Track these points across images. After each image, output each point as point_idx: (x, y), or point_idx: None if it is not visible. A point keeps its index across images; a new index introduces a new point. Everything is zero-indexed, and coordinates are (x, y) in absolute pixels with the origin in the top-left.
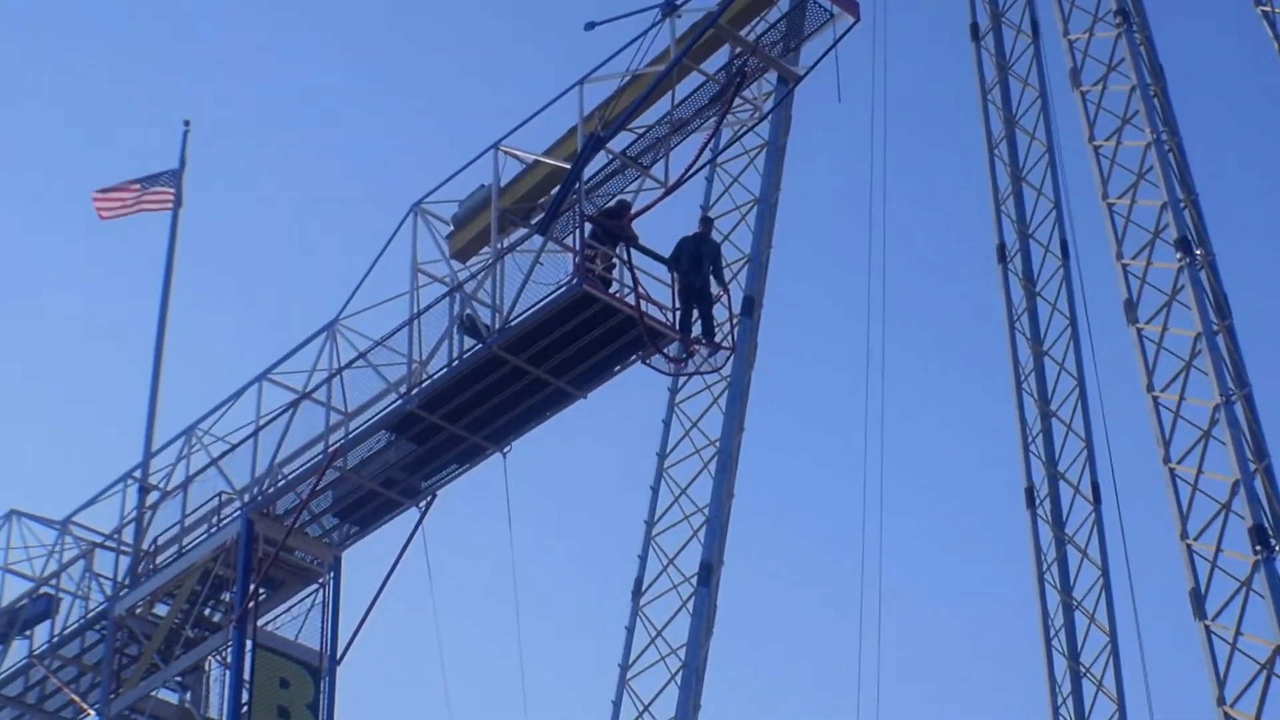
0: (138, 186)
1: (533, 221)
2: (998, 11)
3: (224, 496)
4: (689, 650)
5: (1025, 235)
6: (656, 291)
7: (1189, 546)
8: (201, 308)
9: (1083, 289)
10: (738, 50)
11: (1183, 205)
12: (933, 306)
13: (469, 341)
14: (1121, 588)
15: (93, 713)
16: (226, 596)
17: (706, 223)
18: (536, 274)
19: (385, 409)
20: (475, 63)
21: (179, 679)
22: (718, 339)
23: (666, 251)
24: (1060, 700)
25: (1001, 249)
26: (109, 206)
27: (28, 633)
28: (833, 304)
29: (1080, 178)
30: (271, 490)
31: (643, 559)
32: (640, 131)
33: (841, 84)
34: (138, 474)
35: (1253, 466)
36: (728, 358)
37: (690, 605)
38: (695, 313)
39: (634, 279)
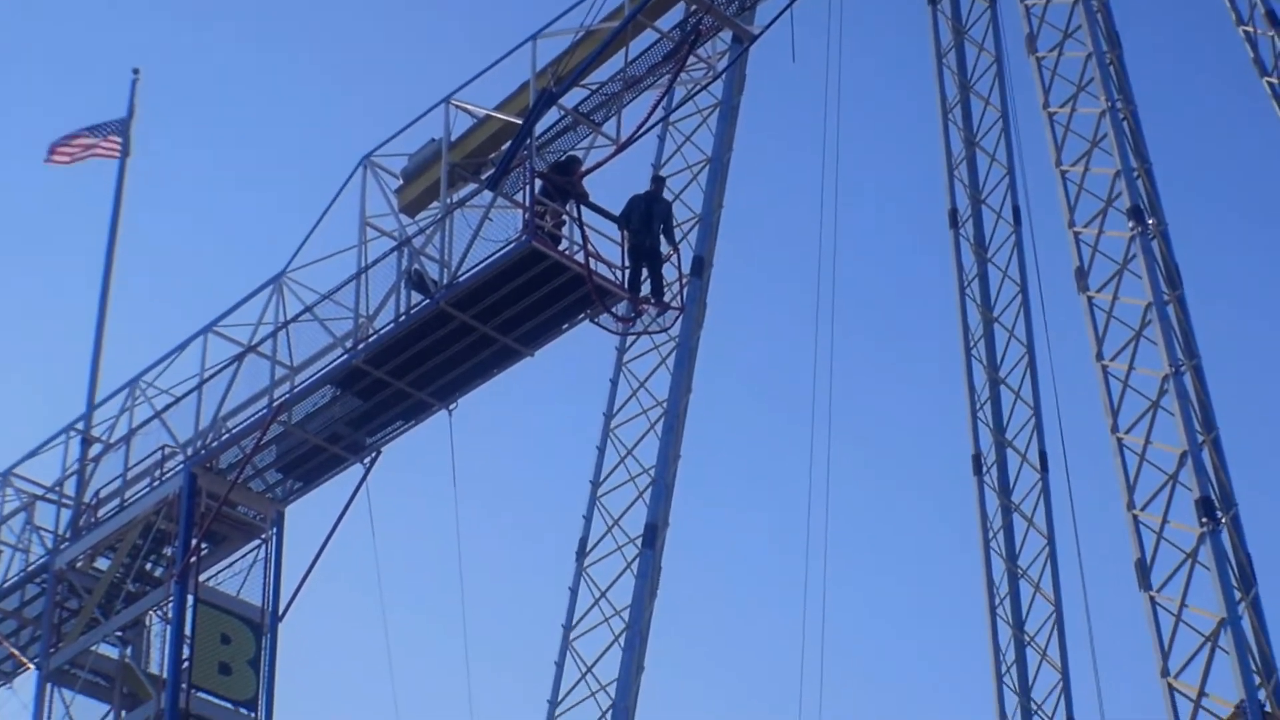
0: (87, 135)
1: (483, 177)
2: None
3: (167, 450)
4: (633, 612)
5: (978, 201)
6: (606, 249)
7: (1135, 517)
8: (147, 258)
9: (1035, 256)
10: (692, 8)
11: (1136, 174)
12: (883, 271)
13: (416, 296)
14: (1067, 557)
15: (32, 666)
16: (168, 551)
17: (658, 182)
18: (486, 230)
19: (331, 363)
20: (427, 15)
21: (119, 633)
22: (667, 299)
23: (617, 209)
24: (1005, 669)
25: (953, 214)
26: (59, 156)
27: None
28: (783, 266)
29: (1034, 144)
30: (215, 444)
31: (587, 519)
32: (593, 88)
33: (796, 44)
34: (80, 426)
35: (1200, 438)
36: (676, 318)
37: (635, 567)
38: (645, 272)
39: (583, 236)
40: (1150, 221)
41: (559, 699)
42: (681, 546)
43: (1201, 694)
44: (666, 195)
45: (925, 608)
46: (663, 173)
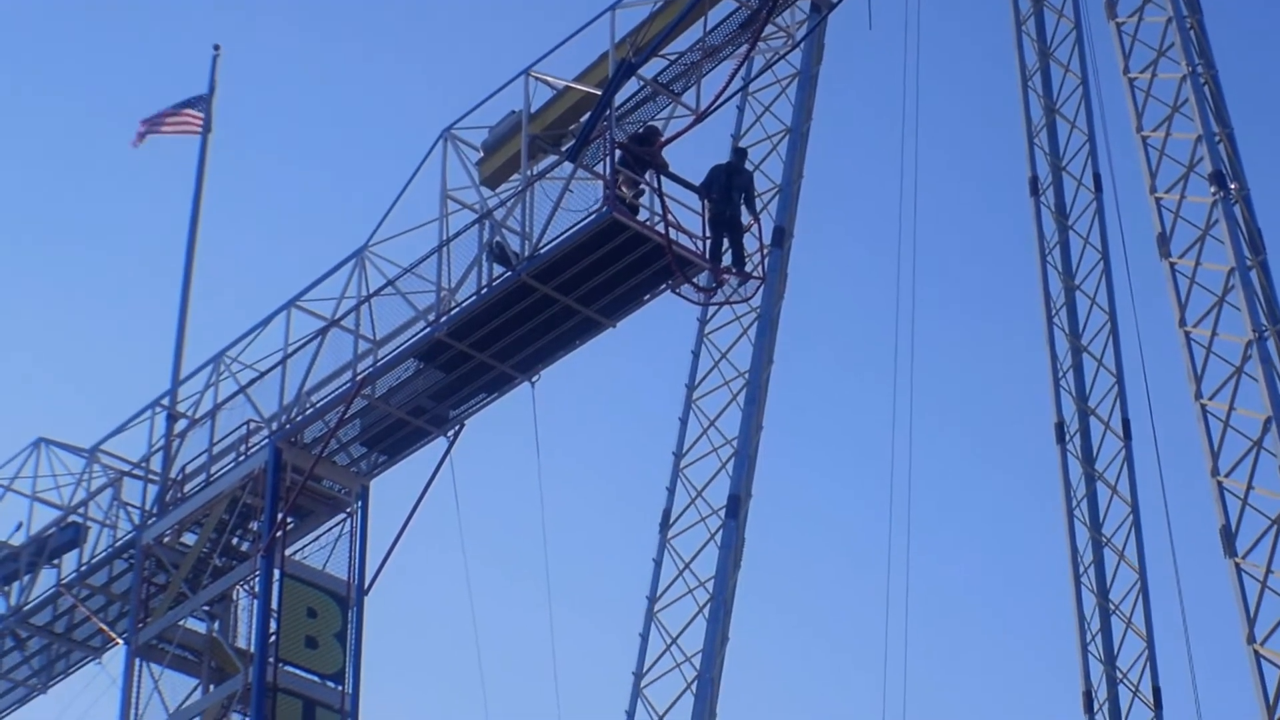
0: (171, 115)
1: (563, 148)
2: None
3: (252, 425)
4: (717, 583)
5: (1058, 168)
6: (687, 220)
7: (1220, 484)
8: (230, 234)
9: (1118, 223)
10: None
11: (1217, 139)
12: (965, 240)
13: (498, 269)
14: (1151, 525)
15: (120, 641)
16: (254, 525)
17: (739, 153)
18: (566, 201)
19: (414, 337)
20: None
21: (206, 608)
22: (748, 269)
23: (697, 180)
24: (1090, 637)
25: (1034, 182)
26: (142, 133)
27: (56, 561)
28: (864, 236)
29: (1115, 111)
30: (300, 418)
31: (670, 491)
32: (672, 58)
33: (874, 12)
34: (166, 401)
35: None
36: (757, 288)
37: (718, 538)
38: (725, 243)
39: (663, 207)
40: (1232, 186)
41: (644, 670)
42: (765, 516)
43: None
44: (747, 166)
45: (1009, 576)
46: (742, 143)
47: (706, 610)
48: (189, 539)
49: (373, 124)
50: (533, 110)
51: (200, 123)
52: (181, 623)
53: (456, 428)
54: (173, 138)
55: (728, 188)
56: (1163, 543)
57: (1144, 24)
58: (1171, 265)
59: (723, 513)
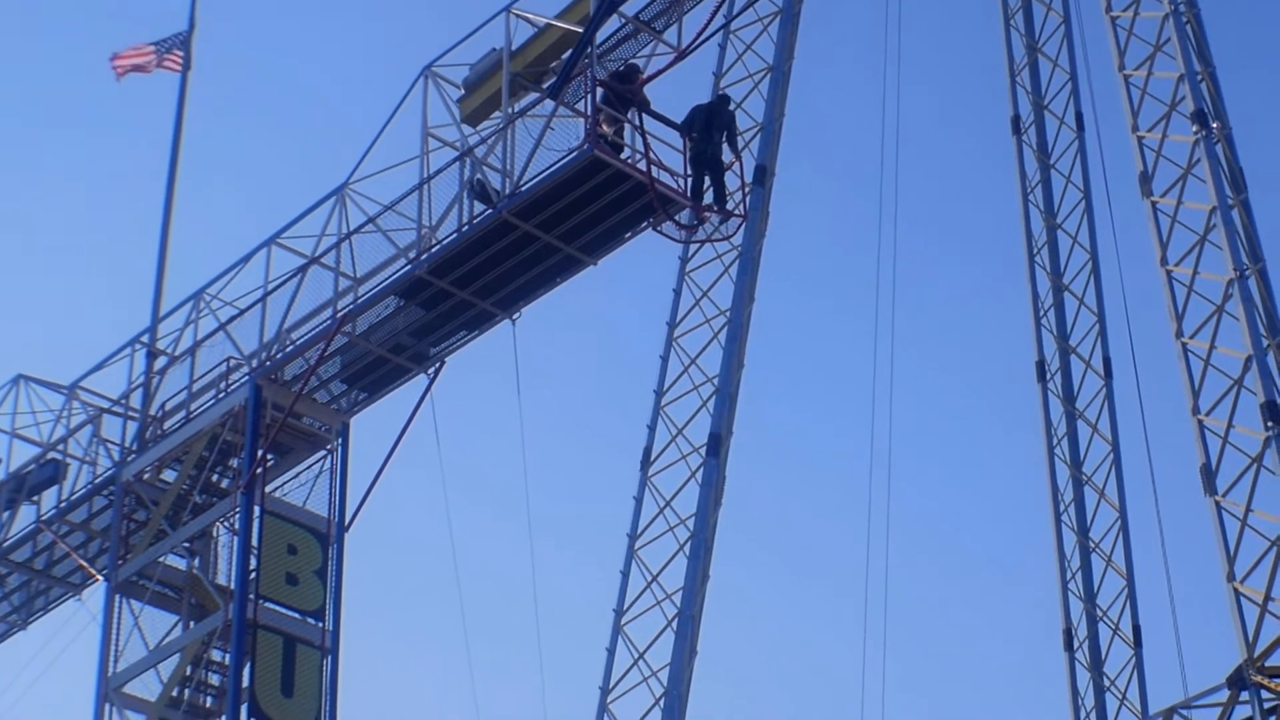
0: (150, 49)
1: (544, 86)
2: None
3: (232, 362)
4: (697, 521)
5: (1040, 107)
6: (668, 158)
7: (1200, 422)
8: (210, 171)
9: (1102, 161)
10: None
11: (1200, 78)
12: (946, 178)
13: (479, 206)
14: (1132, 463)
15: (100, 578)
16: (234, 462)
17: (722, 97)
18: (547, 139)
19: (394, 274)
20: None
21: (187, 545)
22: (729, 206)
23: (679, 118)
24: (1070, 575)
25: (1016, 120)
26: (122, 67)
27: (35, 498)
28: (846, 174)
29: (1098, 49)
30: (280, 355)
31: (651, 429)
32: None
33: None
34: (145, 338)
35: (1265, 342)
36: (739, 225)
37: (699, 476)
38: (706, 181)
39: (645, 144)
40: (1214, 125)
41: (624, 608)
42: (746, 454)
43: (1268, 598)
44: (729, 109)
45: (990, 514)
46: (724, 82)
47: (687, 548)
48: (169, 476)
49: (353, 61)
50: (514, 48)
51: (180, 60)
52: (162, 559)
53: (437, 365)
54: (152, 75)
55: (709, 125)
56: (1143, 481)
57: None
58: (1153, 204)
59: (704, 450)
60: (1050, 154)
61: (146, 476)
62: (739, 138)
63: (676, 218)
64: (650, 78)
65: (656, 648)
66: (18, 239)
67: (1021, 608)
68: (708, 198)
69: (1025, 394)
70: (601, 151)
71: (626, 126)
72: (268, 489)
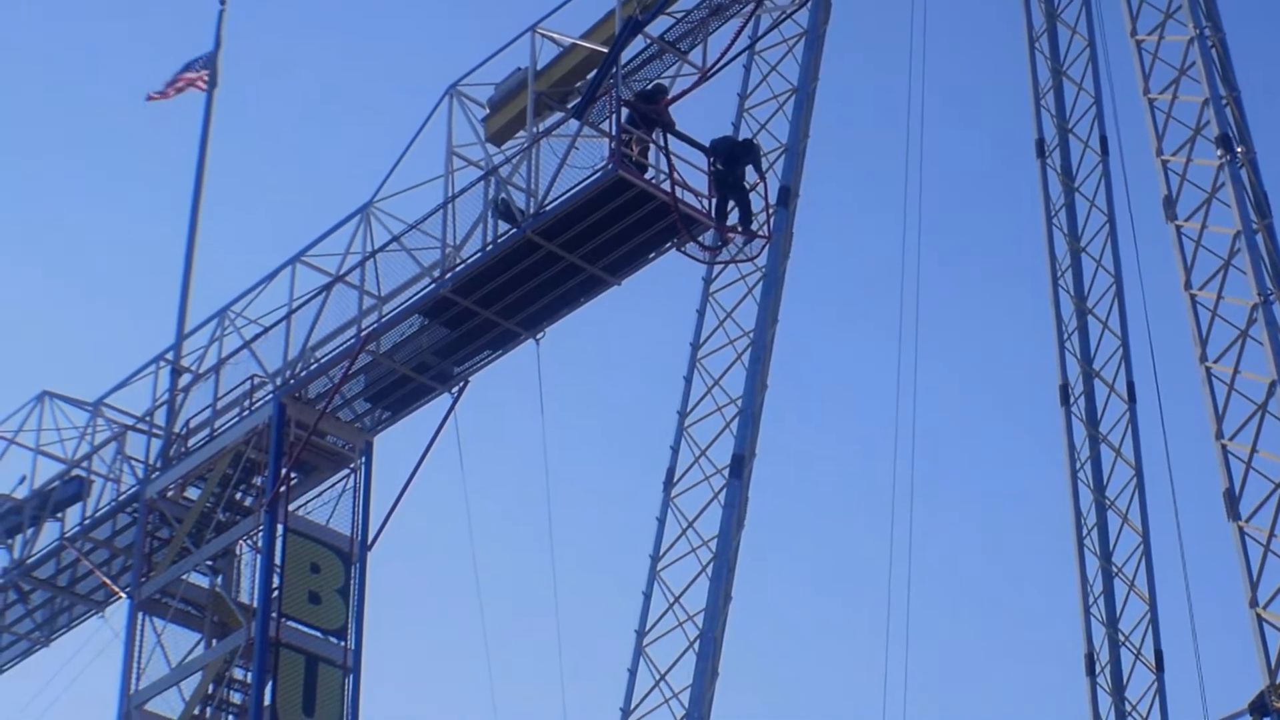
0: (183, 79)
1: (569, 106)
2: None
3: (256, 380)
4: (720, 542)
5: (1065, 130)
6: (692, 179)
7: (1224, 447)
8: (236, 190)
9: (1125, 185)
10: None
11: (1224, 102)
12: (970, 202)
13: (503, 226)
14: (1155, 488)
15: (123, 595)
16: (258, 480)
17: (749, 143)
18: (572, 158)
19: (419, 293)
20: None
21: (210, 562)
22: (753, 228)
23: (704, 140)
24: (1092, 599)
25: (1040, 144)
26: (156, 93)
27: (59, 515)
28: (870, 196)
29: (1122, 73)
30: (304, 374)
31: (675, 450)
32: (678, 16)
33: None
34: (170, 356)
35: None
36: (763, 246)
37: (722, 497)
38: (731, 204)
39: (669, 164)
40: (1239, 149)
41: (646, 629)
42: (769, 474)
43: None
44: (754, 137)
45: (1013, 539)
46: (749, 103)
47: (709, 569)
48: (192, 493)
49: (379, 80)
50: (539, 67)
51: (206, 79)
52: (184, 577)
53: (461, 384)
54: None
55: (733, 151)
56: (1166, 506)
57: None
58: (1177, 228)
59: (726, 471)
60: (1075, 177)
61: (170, 494)
62: (764, 159)
63: (700, 238)
64: (675, 98)
65: (678, 669)
66: (43, 256)
67: (1043, 631)
68: (732, 218)
69: (1049, 416)
70: (626, 171)
71: (651, 147)
72: (291, 507)
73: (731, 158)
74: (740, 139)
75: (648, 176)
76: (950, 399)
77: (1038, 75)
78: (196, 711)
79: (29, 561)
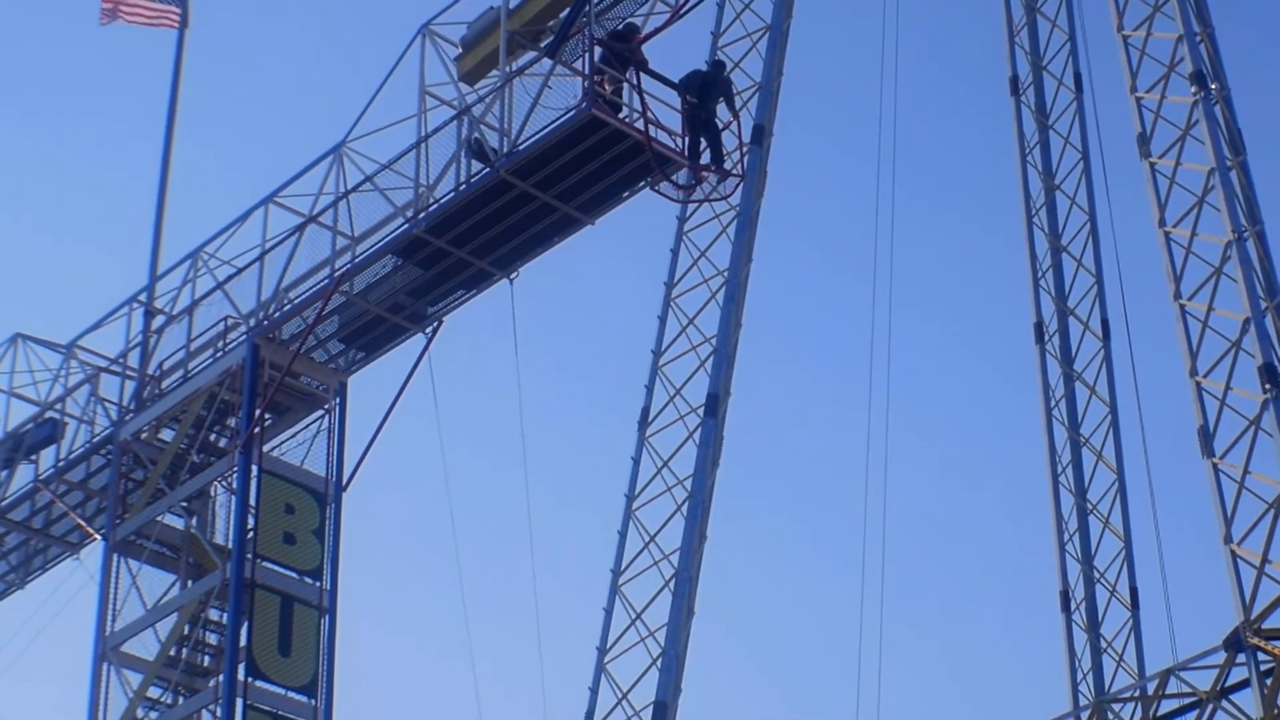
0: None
1: (542, 44)
2: None
3: (229, 321)
4: (695, 481)
5: (1039, 67)
6: (666, 118)
7: (1198, 384)
8: (207, 130)
9: (1097, 122)
10: None
11: (1199, 39)
12: (944, 139)
13: (477, 165)
14: (1129, 425)
15: (98, 537)
16: (232, 422)
17: (718, 64)
18: (545, 98)
19: (392, 233)
20: None
21: (184, 504)
22: (727, 166)
23: (676, 78)
24: (1067, 537)
25: (1015, 82)
26: (109, 5)
27: (33, 457)
28: (844, 134)
29: (1096, 10)
30: (278, 314)
31: (649, 389)
32: None
33: None
34: (143, 298)
35: (1264, 304)
36: (737, 185)
37: (697, 436)
38: (704, 143)
39: (643, 103)
40: (1213, 86)
41: (622, 568)
42: (743, 414)
43: (1265, 560)
44: (729, 72)
45: (988, 475)
46: (722, 41)
47: (685, 508)
48: (167, 435)
49: (351, 19)
50: (512, 6)
51: (177, 17)
52: (159, 518)
53: (435, 324)
54: (149, 29)
55: (705, 87)
56: (1141, 443)
57: None
58: (1152, 165)
59: (701, 411)
60: (1049, 115)
61: (144, 436)
62: (737, 97)
63: (674, 177)
64: (648, 36)
65: (654, 608)
66: (14, 199)
67: (1019, 569)
68: (705, 158)
69: (1024, 354)
70: (599, 110)
71: (624, 85)
72: (265, 448)
73: (703, 92)
74: (709, 67)
75: (621, 115)
76: (925, 337)
77: (1012, 11)
78: (172, 653)
79: (3, 504)
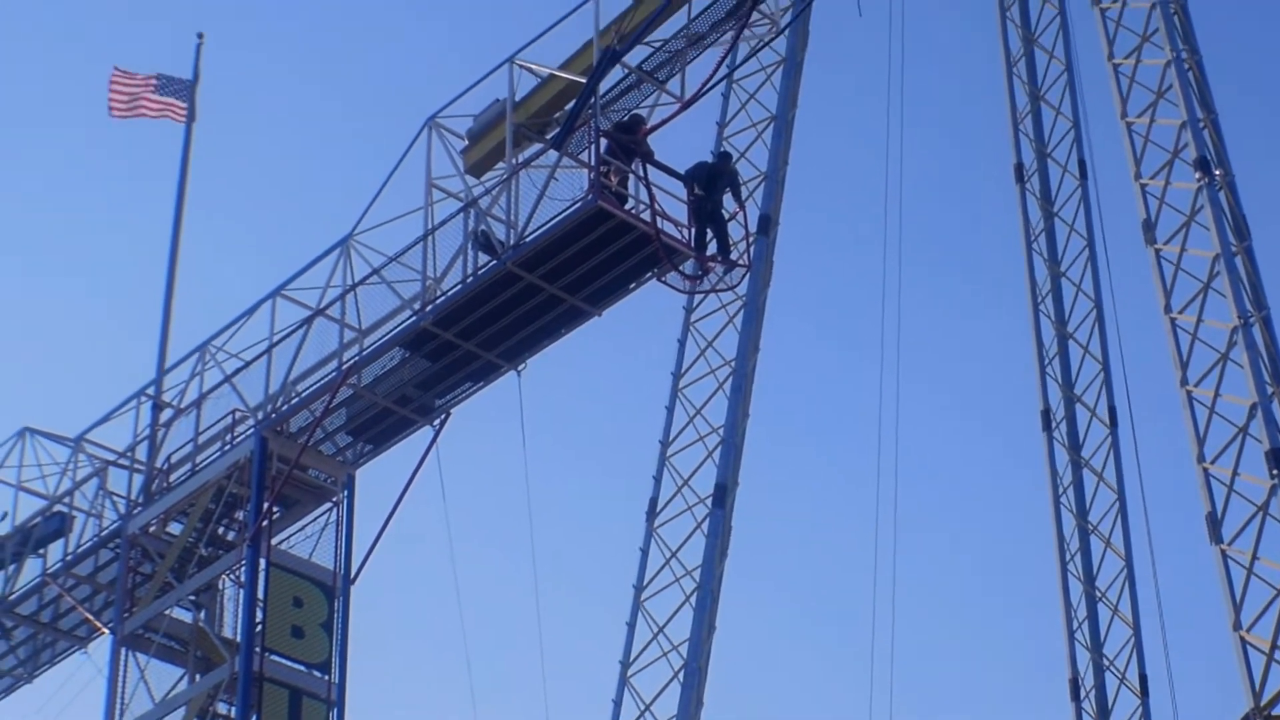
0: (154, 82)
1: (548, 136)
2: None
3: (238, 414)
4: (704, 571)
5: (1043, 155)
6: (672, 208)
7: (1205, 470)
8: (215, 222)
9: (1100, 209)
10: None
11: (1202, 125)
12: (950, 227)
13: (484, 258)
14: (1138, 513)
15: (107, 631)
16: (240, 515)
17: (725, 156)
18: (551, 190)
19: (399, 326)
20: None
21: (193, 597)
22: (733, 256)
23: (683, 169)
24: (1076, 625)
25: (1019, 168)
26: (121, 101)
27: (41, 551)
28: (850, 223)
29: (1099, 97)
30: (285, 407)
31: (657, 480)
32: (656, 46)
33: None
34: (151, 391)
35: (1270, 389)
36: (743, 275)
37: (705, 527)
38: (710, 232)
39: (650, 195)
40: (1217, 172)
41: (630, 659)
42: (752, 503)
43: (1275, 647)
44: (735, 163)
45: (997, 563)
46: (728, 131)
47: (694, 600)
48: (175, 528)
49: (358, 112)
50: (517, 98)
51: (184, 111)
52: (167, 612)
53: (442, 417)
54: (157, 122)
55: (712, 178)
56: (1154, 529)
57: (1128, 9)
58: (1157, 252)
59: (709, 501)
60: (1054, 202)
61: (152, 529)
62: (743, 188)
63: (681, 268)
64: (654, 128)
65: (663, 699)
66: (23, 291)
67: (1028, 656)
68: (712, 248)
69: (1032, 439)
70: (605, 202)
71: (630, 177)
72: (273, 541)
73: (709, 183)
74: (714, 158)
75: (627, 207)
76: (933, 424)
77: (1016, 100)
78: None
79: (11, 598)
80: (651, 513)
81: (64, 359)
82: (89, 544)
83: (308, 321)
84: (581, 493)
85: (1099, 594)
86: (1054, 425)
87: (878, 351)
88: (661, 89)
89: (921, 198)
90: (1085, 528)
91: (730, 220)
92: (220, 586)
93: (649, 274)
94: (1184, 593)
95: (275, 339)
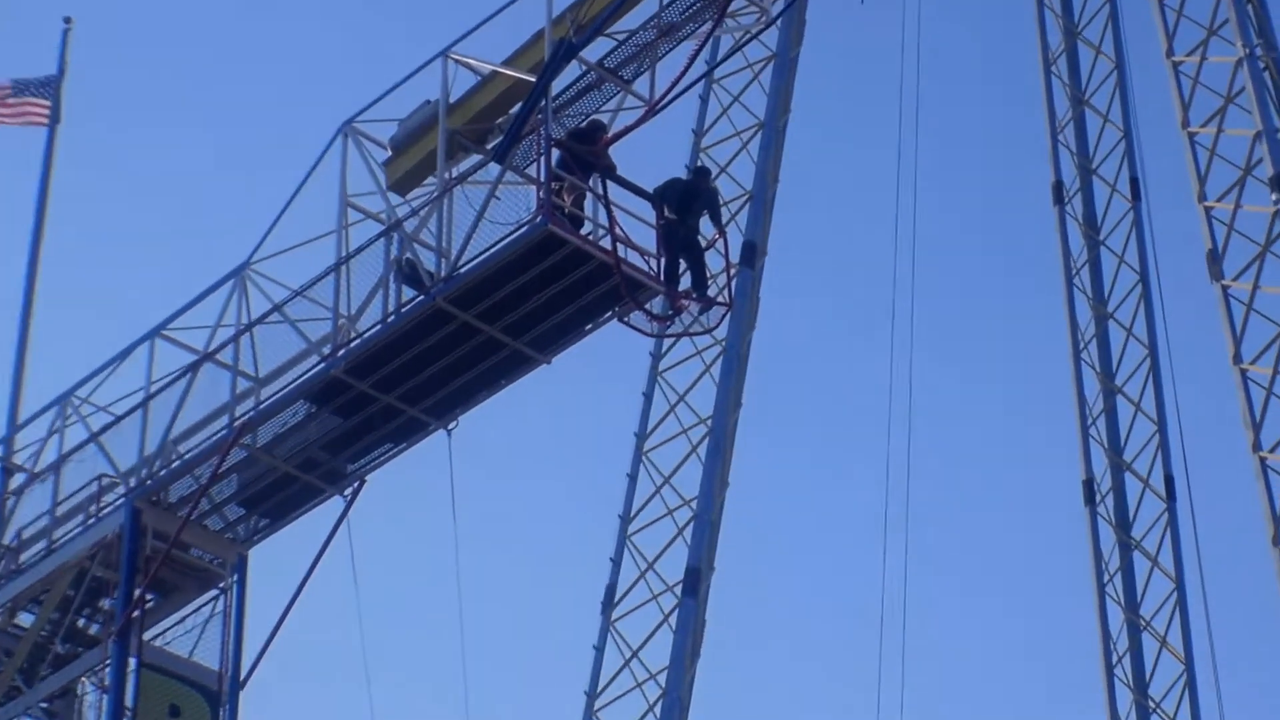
0: (8, 89)
1: (488, 146)
2: None
3: (105, 480)
4: (671, 675)
5: (1088, 170)
6: (638, 234)
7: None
8: (82, 247)
9: (1154, 237)
10: None
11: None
12: (975, 257)
13: (408, 292)
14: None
15: None
16: (106, 604)
17: (701, 172)
18: (492, 210)
19: (305, 374)
20: None
21: (45, 704)
22: (711, 293)
23: (651, 186)
24: (1115, 659)
25: (1058, 187)
26: None
27: None
28: (851, 256)
29: (1157, 102)
30: (164, 473)
31: (616, 563)
32: (621, 38)
33: None
34: (0, 452)
35: None
36: (723, 316)
37: (673, 620)
38: (683, 264)
39: (610, 218)
40: None
41: None
42: (729, 594)
43: None
44: (714, 180)
45: (1038, 661)
46: (706, 140)
47: (658, 709)
48: (25, 620)
49: (257, 115)
50: (452, 100)
51: (47, 111)
52: None
53: (356, 484)
54: (12, 129)
55: (687, 198)
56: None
57: None
58: (1225, 289)
59: (679, 589)
60: (1099, 228)
61: None
62: (724, 209)
63: (648, 306)
64: (617, 137)
65: None
66: None
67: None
68: (685, 282)
69: (1074, 520)
70: (557, 225)
71: (588, 196)
72: (146, 636)
73: (684, 204)
74: (690, 174)
75: (584, 231)
76: (951, 493)
77: (1055, 105)
78: None
79: None
80: (608, 603)
81: None
82: None
83: (193, 368)
84: (524, 576)
85: (1153, 705)
86: (1099, 499)
87: (884, 404)
88: (627, 90)
89: (939, 220)
90: (1135, 623)
91: (708, 249)
92: (80, 691)
93: (608, 313)
94: (1245, 695)
95: (153, 389)
